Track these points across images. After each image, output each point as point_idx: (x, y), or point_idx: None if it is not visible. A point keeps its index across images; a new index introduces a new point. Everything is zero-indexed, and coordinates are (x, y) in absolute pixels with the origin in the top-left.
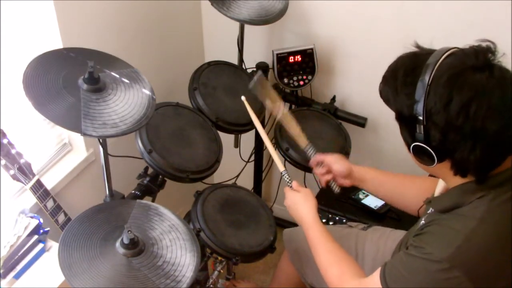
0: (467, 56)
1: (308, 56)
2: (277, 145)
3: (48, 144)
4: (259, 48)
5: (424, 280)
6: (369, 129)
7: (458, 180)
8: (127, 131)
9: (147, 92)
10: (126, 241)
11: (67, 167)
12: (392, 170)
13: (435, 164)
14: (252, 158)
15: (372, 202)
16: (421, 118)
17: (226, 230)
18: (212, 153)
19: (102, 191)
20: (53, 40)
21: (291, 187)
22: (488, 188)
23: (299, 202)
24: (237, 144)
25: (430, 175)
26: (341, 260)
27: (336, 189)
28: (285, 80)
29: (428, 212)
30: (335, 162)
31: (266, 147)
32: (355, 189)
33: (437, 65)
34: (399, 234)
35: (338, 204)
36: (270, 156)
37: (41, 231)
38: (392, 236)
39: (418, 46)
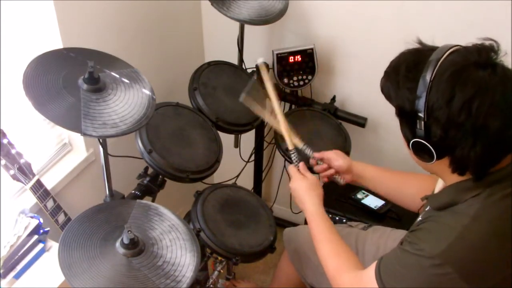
0: (470, 53)
1: (308, 56)
2: (277, 145)
3: (48, 144)
4: (259, 48)
5: (417, 275)
6: (369, 129)
7: (455, 178)
8: (127, 131)
9: (147, 92)
10: (126, 241)
11: (67, 167)
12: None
13: (434, 161)
14: (252, 158)
15: (372, 202)
16: (422, 114)
17: (226, 230)
18: (212, 153)
19: (102, 191)
20: (53, 40)
21: (298, 167)
22: (484, 186)
23: (305, 187)
24: (237, 144)
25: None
26: (341, 252)
27: (341, 181)
28: (285, 80)
29: (426, 209)
30: (334, 158)
31: (265, 147)
32: (355, 189)
33: (440, 61)
34: (399, 234)
35: (338, 204)
36: (270, 156)
37: (41, 231)
38: (392, 236)
39: (420, 43)
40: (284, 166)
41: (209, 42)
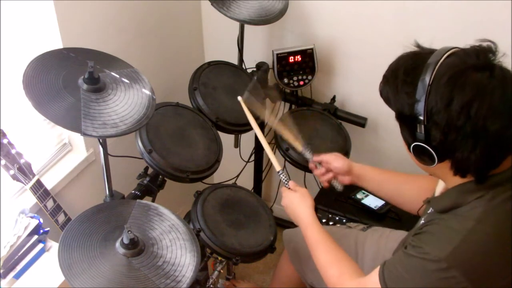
0: (468, 55)
1: (308, 56)
2: (277, 145)
3: (48, 144)
4: (259, 48)
5: (423, 279)
6: (369, 129)
7: (457, 180)
8: (127, 131)
9: (147, 92)
10: (126, 241)
11: (67, 167)
12: (392, 170)
13: (435, 164)
14: (252, 158)
15: (372, 202)
16: (421, 117)
17: (226, 230)
18: (212, 153)
19: (102, 191)
20: (53, 40)
21: (288, 187)
22: (486, 188)
23: (296, 202)
24: (237, 144)
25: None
26: (340, 260)
27: (339, 187)
28: (285, 80)
29: (428, 212)
30: (333, 160)
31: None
32: (355, 189)
33: (438, 64)
34: (399, 234)
35: (338, 204)
36: None
37: (41, 231)
38: (392, 237)
39: (418, 46)
40: (284, 166)
41: (209, 42)
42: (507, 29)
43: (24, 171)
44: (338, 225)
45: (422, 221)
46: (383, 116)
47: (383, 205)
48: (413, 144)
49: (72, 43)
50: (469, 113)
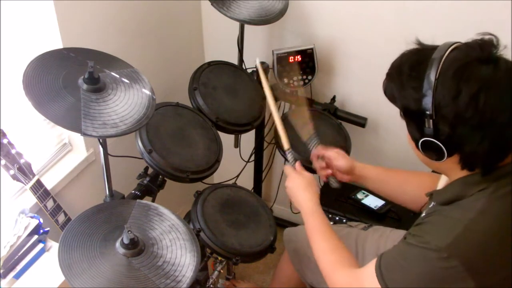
0: (472, 49)
1: (308, 56)
2: (277, 145)
3: (48, 144)
4: (259, 48)
5: (422, 269)
6: (369, 129)
7: (463, 174)
8: (127, 131)
9: (147, 92)
10: (126, 241)
11: (67, 167)
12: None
13: (445, 159)
14: (252, 158)
15: (372, 202)
16: (429, 112)
17: (226, 230)
18: (212, 153)
19: (102, 191)
20: (53, 40)
21: (293, 166)
22: (490, 180)
23: (302, 187)
24: (237, 144)
25: (433, 171)
26: (336, 249)
27: (335, 184)
28: (285, 80)
29: (430, 206)
30: (336, 157)
31: (265, 147)
32: (355, 189)
33: (443, 59)
34: (400, 234)
35: (338, 204)
36: (270, 156)
37: (41, 231)
38: (392, 236)
39: (419, 43)
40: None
41: (209, 42)
42: (507, 29)
43: (24, 171)
44: (339, 224)
45: (423, 214)
46: (383, 116)
47: (383, 205)
48: (422, 140)
49: (72, 43)
50: (477, 105)
